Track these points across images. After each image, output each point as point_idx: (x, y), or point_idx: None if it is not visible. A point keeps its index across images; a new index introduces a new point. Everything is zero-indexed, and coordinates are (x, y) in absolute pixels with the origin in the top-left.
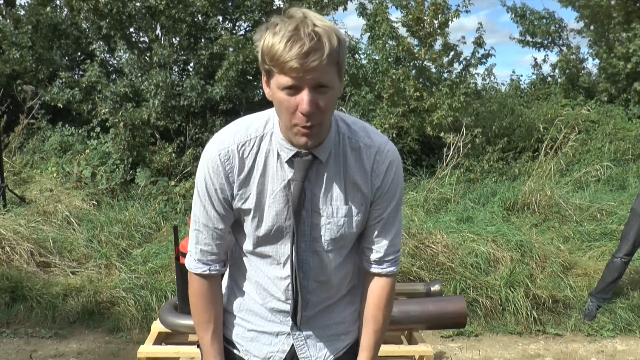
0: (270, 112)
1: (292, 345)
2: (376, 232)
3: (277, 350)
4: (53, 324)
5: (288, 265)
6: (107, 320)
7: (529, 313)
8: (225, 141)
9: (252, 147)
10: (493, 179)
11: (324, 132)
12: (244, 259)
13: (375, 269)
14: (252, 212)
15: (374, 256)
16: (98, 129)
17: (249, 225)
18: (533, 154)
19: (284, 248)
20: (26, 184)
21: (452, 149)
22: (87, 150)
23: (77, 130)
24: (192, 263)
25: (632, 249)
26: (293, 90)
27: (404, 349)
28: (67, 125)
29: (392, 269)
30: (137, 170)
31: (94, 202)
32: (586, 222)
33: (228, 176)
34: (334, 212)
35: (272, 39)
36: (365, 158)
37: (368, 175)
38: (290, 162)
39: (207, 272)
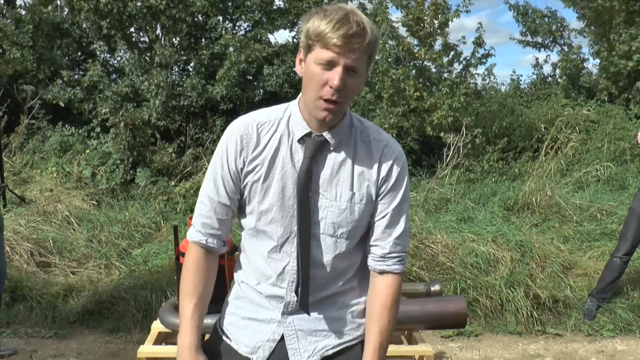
0: (290, 103)
1: (283, 336)
2: (382, 228)
3: (267, 340)
4: (53, 324)
5: (287, 247)
6: (107, 320)
7: (529, 313)
8: (248, 119)
9: (270, 127)
10: (493, 179)
11: (341, 114)
12: (247, 241)
13: (380, 265)
14: (260, 183)
15: (379, 252)
16: (98, 129)
17: (255, 200)
18: (533, 154)
19: (285, 229)
20: (26, 184)
21: (452, 149)
22: (87, 150)
23: (77, 130)
24: (192, 232)
25: (630, 248)
26: (328, 66)
27: (404, 349)
28: (67, 125)
29: (397, 267)
30: (137, 170)
31: (94, 202)
32: (586, 222)
33: (243, 149)
34: (337, 195)
35: (322, 20)
36: (374, 150)
37: (375, 166)
38: (302, 140)
39: (204, 242)
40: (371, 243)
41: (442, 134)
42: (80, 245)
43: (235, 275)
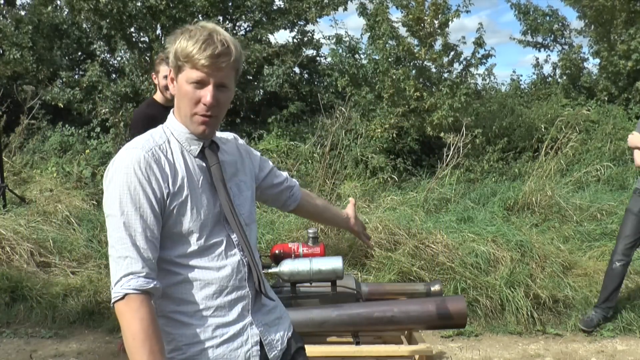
0: (161, 126)
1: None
2: (277, 179)
3: (251, 346)
4: (53, 324)
5: (230, 248)
6: (107, 320)
7: (529, 313)
8: (145, 145)
9: (167, 148)
10: (493, 179)
11: (217, 125)
12: (182, 272)
13: (298, 194)
14: (189, 203)
15: (293, 191)
16: (98, 129)
17: (188, 220)
18: (533, 154)
19: (221, 232)
20: (26, 184)
21: (452, 149)
22: (87, 150)
23: (77, 130)
24: (140, 281)
25: (628, 249)
26: (200, 85)
27: (404, 349)
28: (67, 125)
29: (296, 182)
30: None
31: (94, 202)
32: (586, 222)
33: (162, 173)
34: (241, 188)
35: (189, 41)
36: (230, 144)
37: (240, 153)
38: (200, 154)
39: (158, 285)
40: (282, 190)
41: (442, 134)
42: (80, 245)
43: (176, 314)
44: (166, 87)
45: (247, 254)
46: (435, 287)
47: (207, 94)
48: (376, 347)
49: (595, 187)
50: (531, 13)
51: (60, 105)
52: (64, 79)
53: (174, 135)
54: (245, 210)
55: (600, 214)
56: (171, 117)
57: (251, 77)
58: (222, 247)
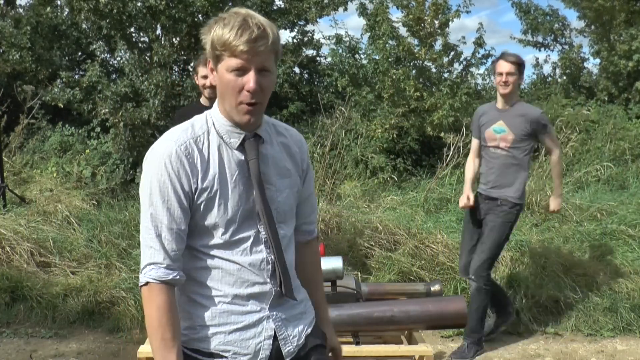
0: (202, 115)
1: (274, 329)
2: (309, 207)
3: (264, 339)
4: (53, 324)
5: (257, 244)
6: (107, 320)
7: (529, 313)
8: (179, 138)
9: (203, 141)
10: None
11: (262, 113)
12: (206, 260)
13: (310, 236)
14: (217, 199)
15: (310, 227)
16: (98, 129)
17: (214, 215)
18: (533, 154)
19: (251, 229)
20: (26, 184)
21: (452, 149)
22: (87, 150)
23: (77, 130)
24: (160, 271)
25: (467, 261)
26: (240, 72)
27: (404, 349)
28: (67, 125)
29: (316, 231)
30: (137, 170)
31: (94, 202)
32: (586, 222)
33: (192, 169)
34: (281, 186)
35: (224, 30)
36: (290, 138)
37: (297, 152)
38: (240, 147)
39: (178, 277)
40: (304, 221)
41: (442, 134)
42: (80, 245)
43: (195, 294)
44: (204, 86)
45: (273, 252)
46: (435, 287)
47: (249, 80)
48: (376, 347)
49: (595, 187)
50: (532, 12)
51: (60, 105)
52: (64, 79)
53: (214, 127)
54: (283, 208)
55: (600, 214)
56: (215, 107)
57: None
58: (249, 242)
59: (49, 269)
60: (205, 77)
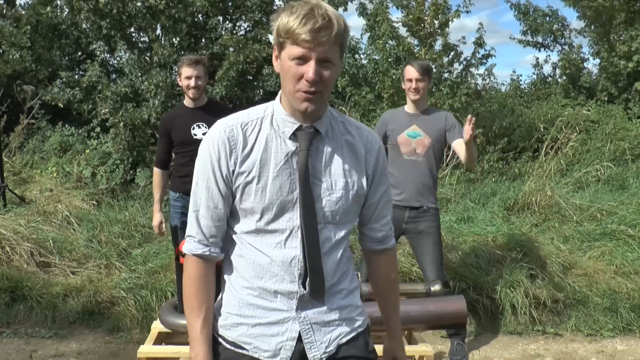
0: (268, 103)
1: (299, 331)
2: (377, 213)
3: (287, 339)
4: (53, 324)
5: (293, 240)
6: (107, 320)
7: (529, 313)
8: (230, 121)
9: (254, 127)
10: (493, 179)
11: (323, 104)
12: (240, 246)
13: (381, 246)
14: (254, 184)
15: (379, 234)
16: (98, 129)
17: (251, 199)
18: (533, 154)
19: (289, 222)
20: (26, 184)
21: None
22: (87, 150)
23: (77, 130)
24: (192, 244)
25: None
26: (302, 60)
27: None
28: (67, 125)
29: (393, 242)
30: (137, 170)
31: (94, 202)
32: (586, 222)
33: (232, 151)
34: (333, 184)
35: (289, 17)
36: (359, 138)
37: (363, 155)
38: (293, 135)
39: (207, 253)
40: (370, 226)
41: None
42: (80, 245)
43: (230, 280)
44: (188, 87)
45: (306, 252)
46: (435, 287)
47: (309, 69)
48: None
49: (595, 187)
50: (531, 13)
51: (60, 105)
52: (64, 79)
53: (273, 114)
54: (332, 208)
55: (600, 214)
56: (278, 95)
57: (251, 77)
58: (284, 236)
59: (49, 269)
60: (188, 77)
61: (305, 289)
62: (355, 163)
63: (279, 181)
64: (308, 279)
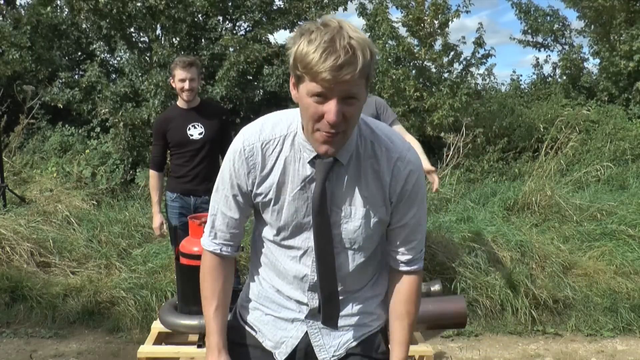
0: (297, 113)
1: (306, 332)
2: (403, 237)
3: (291, 336)
4: (53, 324)
5: (307, 258)
6: (107, 320)
7: (529, 313)
8: (251, 137)
9: (275, 146)
10: (493, 179)
11: (344, 141)
12: (264, 246)
13: (404, 268)
14: (271, 206)
15: (402, 258)
16: (98, 129)
17: (269, 217)
18: (533, 154)
19: (304, 242)
20: (26, 184)
21: (452, 149)
22: (87, 150)
23: (77, 130)
24: (206, 240)
25: None
26: (322, 98)
27: None
28: (67, 125)
29: (419, 265)
30: (137, 170)
31: (94, 202)
32: (586, 222)
33: (250, 171)
34: (352, 213)
35: (307, 47)
36: (386, 163)
37: (388, 181)
38: (312, 162)
39: (218, 251)
40: (393, 249)
41: (442, 134)
42: (80, 245)
43: (254, 269)
44: (182, 90)
45: (319, 279)
46: (435, 287)
47: (330, 109)
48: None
49: (595, 187)
50: (532, 13)
51: (60, 105)
52: (64, 79)
53: (296, 133)
54: (351, 236)
55: (600, 214)
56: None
57: (251, 77)
58: (299, 252)
59: (49, 269)
60: (182, 80)
61: (315, 304)
62: (379, 190)
63: (295, 205)
64: (321, 305)
